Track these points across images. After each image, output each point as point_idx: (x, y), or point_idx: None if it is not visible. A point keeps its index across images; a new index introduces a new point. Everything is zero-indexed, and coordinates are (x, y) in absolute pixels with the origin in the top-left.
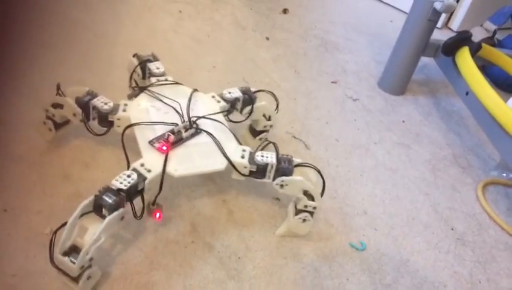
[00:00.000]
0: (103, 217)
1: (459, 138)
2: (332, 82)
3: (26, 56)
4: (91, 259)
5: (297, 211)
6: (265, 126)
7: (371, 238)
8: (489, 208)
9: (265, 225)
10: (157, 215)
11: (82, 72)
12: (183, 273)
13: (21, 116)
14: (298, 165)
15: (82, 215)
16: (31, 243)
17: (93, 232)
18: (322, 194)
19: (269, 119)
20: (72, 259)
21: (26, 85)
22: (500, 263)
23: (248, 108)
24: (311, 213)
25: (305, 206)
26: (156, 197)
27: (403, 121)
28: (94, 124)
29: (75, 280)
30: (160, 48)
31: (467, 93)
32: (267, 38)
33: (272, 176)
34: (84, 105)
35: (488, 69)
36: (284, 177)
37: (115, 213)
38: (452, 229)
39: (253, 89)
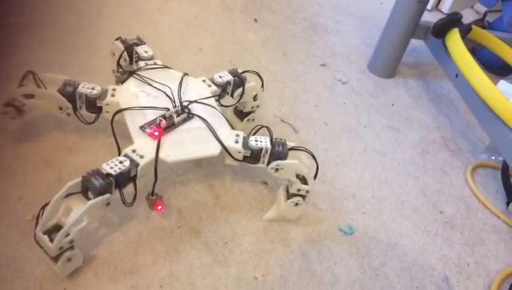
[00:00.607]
0: (88, 198)
1: (448, 120)
2: (321, 65)
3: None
4: (71, 241)
5: (290, 195)
6: (252, 107)
7: (359, 222)
8: (478, 191)
9: (252, 209)
10: (159, 207)
11: (62, 55)
12: (169, 259)
13: None
14: (291, 148)
15: (69, 195)
16: (12, 230)
17: (76, 214)
18: (314, 178)
19: (255, 99)
20: (52, 238)
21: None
22: (488, 245)
23: (238, 91)
24: (304, 197)
25: (298, 190)
26: (154, 186)
27: (392, 104)
28: (82, 112)
29: (54, 259)
30: (145, 30)
31: (456, 76)
32: (255, 20)
33: (266, 160)
34: (70, 96)
35: (478, 51)
36: (279, 161)
37: (99, 198)
38: (441, 212)
39: (240, 70)
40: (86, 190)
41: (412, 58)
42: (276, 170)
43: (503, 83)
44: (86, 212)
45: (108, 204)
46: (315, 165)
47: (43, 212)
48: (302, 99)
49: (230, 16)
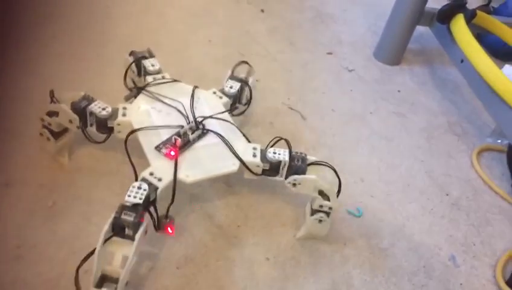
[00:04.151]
0: (128, 237)
1: (454, 106)
2: (328, 53)
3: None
4: (127, 283)
5: (313, 211)
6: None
7: (367, 204)
8: (484, 174)
9: (263, 193)
10: (169, 229)
11: (75, 46)
12: (184, 242)
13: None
14: (312, 163)
15: (104, 242)
16: (34, 216)
17: (122, 256)
18: (338, 194)
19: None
20: (107, 289)
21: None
22: (494, 226)
23: (244, 94)
24: (327, 213)
25: (321, 206)
26: (168, 208)
27: (399, 91)
28: (92, 130)
29: None
30: (156, 23)
31: (461, 61)
32: (262, 11)
33: (284, 173)
34: (81, 111)
35: (483, 37)
36: (296, 176)
37: (140, 230)
38: (447, 194)
39: (242, 75)
40: (119, 229)
41: (418, 45)
42: (294, 184)
43: (508, 68)
44: (135, 251)
45: (146, 232)
46: (337, 180)
47: (78, 273)
48: (309, 87)
49: (238, 7)
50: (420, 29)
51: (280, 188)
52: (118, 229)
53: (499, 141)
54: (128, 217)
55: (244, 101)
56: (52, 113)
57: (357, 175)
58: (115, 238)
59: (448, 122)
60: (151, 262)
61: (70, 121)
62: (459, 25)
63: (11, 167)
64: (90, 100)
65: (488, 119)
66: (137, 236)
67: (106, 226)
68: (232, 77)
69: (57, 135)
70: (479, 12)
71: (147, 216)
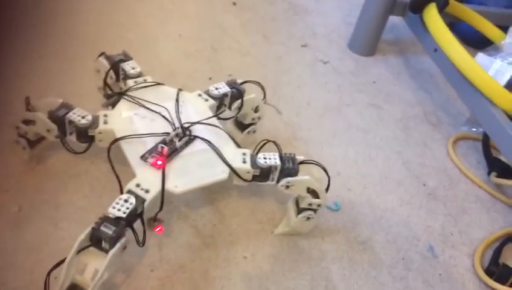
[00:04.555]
0: (104, 250)
1: (429, 95)
2: (303, 46)
3: None
4: None
5: (300, 210)
6: (253, 119)
7: (345, 198)
8: (460, 163)
9: (240, 191)
10: (158, 229)
11: (39, 43)
12: (158, 244)
13: None
14: (301, 162)
15: (79, 250)
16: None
17: (94, 269)
18: (326, 191)
19: (256, 111)
20: None
21: None
22: (471, 215)
23: (237, 103)
24: (315, 211)
25: (310, 204)
26: (157, 214)
27: (374, 82)
28: (72, 139)
29: None
30: (123, 17)
31: (435, 50)
32: (234, 4)
33: (276, 177)
34: (60, 120)
35: (456, 25)
36: (289, 179)
37: (117, 246)
38: (424, 185)
39: (239, 81)
40: (97, 241)
41: (392, 35)
42: (287, 187)
43: (481, 56)
44: (107, 266)
45: (125, 248)
46: (326, 177)
47: (49, 279)
48: (284, 80)
49: (209, 1)
50: (393, 19)
51: (255, 185)
52: (95, 240)
53: (474, 129)
54: (107, 230)
55: (233, 107)
56: (28, 121)
57: (334, 169)
58: (91, 249)
59: (424, 112)
60: (125, 266)
61: (48, 131)
62: (431, 14)
63: None
64: (68, 108)
65: (463, 108)
66: (112, 252)
67: (82, 235)
68: (228, 82)
69: (33, 143)
70: (451, 1)
71: (129, 232)
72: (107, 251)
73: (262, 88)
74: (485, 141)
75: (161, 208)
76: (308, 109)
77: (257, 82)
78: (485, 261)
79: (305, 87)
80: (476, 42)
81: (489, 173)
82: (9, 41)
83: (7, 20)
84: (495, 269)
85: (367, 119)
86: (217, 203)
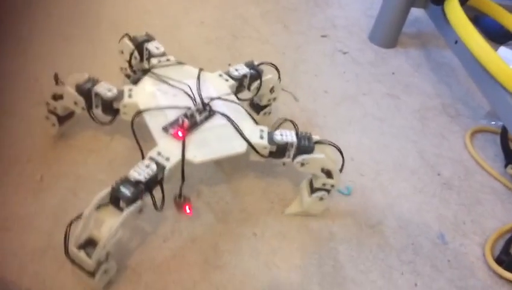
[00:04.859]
0: (121, 209)
1: (448, 88)
2: (322, 36)
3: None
4: (108, 253)
5: (314, 190)
6: (269, 100)
7: (357, 183)
8: (477, 154)
9: (253, 172)
10: (187, 209)
11: (70, 27)
12: (171, 217)
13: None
14: (316, 142)
15: (99, 206)
16: (21, 189)
17: (110, 226)
18: (340, 171)
19: (272, 91)
20: (88, 252)
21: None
22: (485, 205)
23: (255, 83)
24: (329, 191)
25: (324, 184)
26: (181, 188)
27: (393, 73)
28: (98, 112)
29: (91, 274)
30: (148, 3)
31: (456, 42)
32: None
33: (291, 154)
34: (86, 93)
35: (480, 19)
36: (305, 156)
37: (132, 206)
38: (439, 174)
39: (256, 62)
40: (116, 200)
41: (414, 29)
42: (302, 164)
43: (503, 49)
44: (121, 223)
45: (140, 211)
46: (341, 158)
47: (69, 229)
48: (302, 69)
49: None
50: (416, 13)
51: (269, 166)
52: (114, 199)
53: (493, 122)
54: (126, 191)
55: (252, 88)
56: (57, 97)
57: (348, 154)
58: (109, 206)
59: (442, 104)
60: (138, 235)
61: (76, 103)
62: (452, 5)
63: None
64: (94, 82)
65: (483, 101)
66: (127, 211)
67: (103, 193)
68: (247, 63)
69: (62, 120)
70: None
71: (147, 196)
72: (123, 210)
73: (277, 69)
74: (504, 134)
75: (183, 179)
76: (325, 96)
77: (272, 64)
78: (495, 251)
79: (322, 76)
80: (499, 37)
81: (506, 166)
82: (38, 22)
83: (36, 2)
84: (505, 258)
85: (383, 109)
86: (230, 183)
